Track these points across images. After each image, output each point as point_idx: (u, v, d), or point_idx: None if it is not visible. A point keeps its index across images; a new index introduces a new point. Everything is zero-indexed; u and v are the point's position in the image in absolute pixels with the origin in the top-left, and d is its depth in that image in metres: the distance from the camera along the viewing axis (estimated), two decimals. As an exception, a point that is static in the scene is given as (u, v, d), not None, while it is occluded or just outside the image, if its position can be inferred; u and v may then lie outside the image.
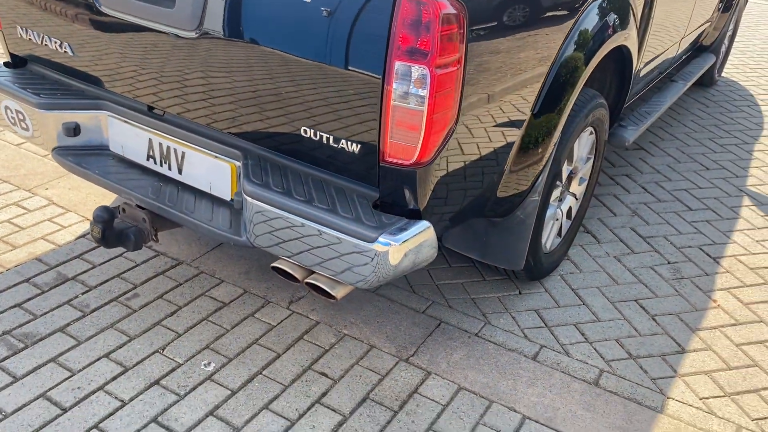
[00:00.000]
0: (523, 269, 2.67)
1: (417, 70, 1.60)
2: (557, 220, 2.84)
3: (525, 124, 2.18)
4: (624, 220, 3.44)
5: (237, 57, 1.91)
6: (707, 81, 5.35)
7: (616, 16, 2.55)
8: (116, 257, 2.78)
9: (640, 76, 3.31)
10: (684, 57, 4.49)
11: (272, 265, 2.02)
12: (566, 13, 2.19)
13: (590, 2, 2.33)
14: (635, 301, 2.83)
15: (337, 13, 1.68)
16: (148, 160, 2.31)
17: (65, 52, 2.36)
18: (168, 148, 2.23)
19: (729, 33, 5.45)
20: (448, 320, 2.60)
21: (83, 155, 2.41)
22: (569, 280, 2.93)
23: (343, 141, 1.81)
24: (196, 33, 1.95)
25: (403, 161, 1.73)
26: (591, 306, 2.77)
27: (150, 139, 2.27)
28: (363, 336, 2.47)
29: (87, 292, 2.57)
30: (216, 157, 2.12)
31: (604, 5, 2.42)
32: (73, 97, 2.38)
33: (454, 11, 1.61)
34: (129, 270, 2.71)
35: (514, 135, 2.16)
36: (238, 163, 2.07)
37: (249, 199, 1.90)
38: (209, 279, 2.69)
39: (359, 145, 1.79)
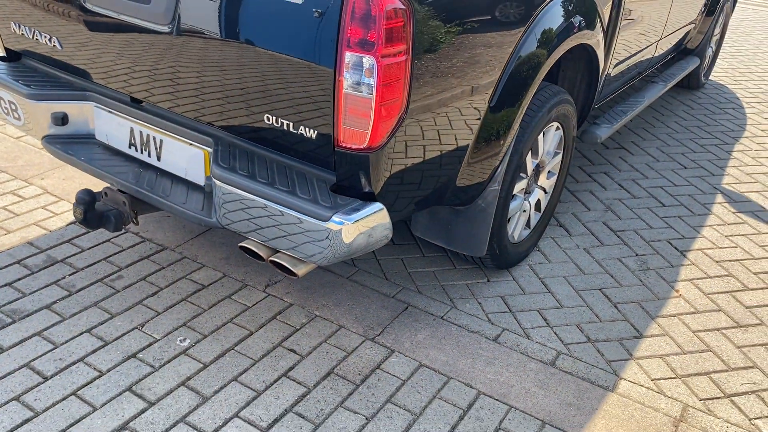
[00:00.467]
0: (489, 257, 2.81)
1: (365, 60, 1.74)
2: (525, 211, 2.97)
3: (482, 116, 2.31)
4: (597, 214, 3.56)
5: (207, 50, 2.05)
6: (693, 84, 5.45)
7: (578, 15, 2.67)
8: (104, 242, 2.93)
9: (612, 76, 3.43)
10: (665, 59, 4.60)
11: (240, 244, 2.16)
12: (523, 10, 2.31)
13: (549, 1, 2.45)
14: (599, 290, 2.95)
15: (292, 8, 1.82)
16: (130, 147, 2.46)
17: (54, 46, 2.52)
18: (148, 136, 2.38)
19: (716, 37, 5.56)
20: (416, 304, 2.73)
21: (71, 143, 2.56)
22: (537, 270, 3.05)
23: (301, 127, 1.95)
24: (170, 28, 2.10)
25: (355, 146, 1.87)
26: (556, 294, 2.89)
27: (131, 128, 2.42)
28: (333, 317, 2.60)
29: (74, 273, 2.71)
30: (191, 144, 2.26)
31: (565, 4, 2.55)
32: (61, 89, 2.53)
33: (400, 6, 1.74)
34: (115, 254, 2.86)
35: (472, 126, 2.28)
36: (211, 150, 2.21)
37: (217, 181, 2.04)
38: (191, 263, 2.84)
39: (316, 131, 1.93)
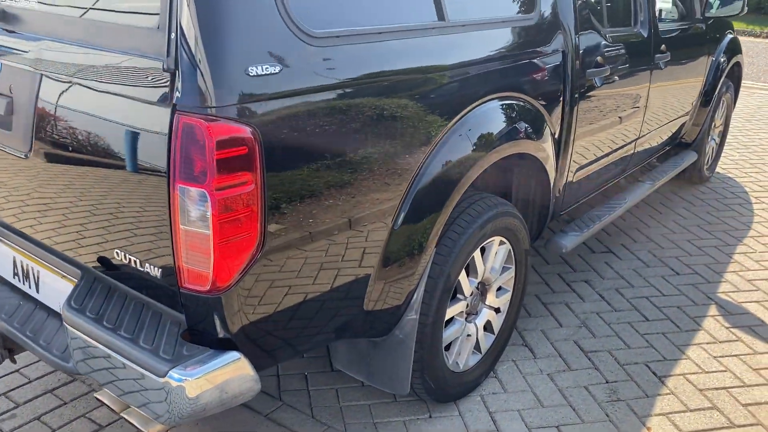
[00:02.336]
0: (424, 392, 2.47)
1: (197, 194, 1.52)
2: (469, 336, 2.65)
3: (385, 240, 2.05)
4: (569, 332, 3.20)
5: (62, 178, 1.88)
6: (695, 178, 5.11)
7: (511, 123, 2.44)
8: (11, 373, 2.71)
9: (574, 182, 3.15)
10: (656, 154, 4.31)
11: (94, 395, 1.90)
12: (426, 129, 2.09)
13: (468, 110, 2.23)
14: (556, 427, 2.57)
15: (129, 139, 1.64)
16: (14, 277, 2.27)
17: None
18: (27, 266, 2.19)
19: (718, 129, 5.27)
20: (336, 449, 2.40)
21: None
22: (489, 402, 2.69)
23: (147, 264, 1.72)
24: (27, 155, 1.94)
25: (200, 288, 1.62)
26: (504, 433, 2.53)
27: (14, 257, 2.24)
28: (235, 466, 2.29)
29: (-36, 412, 2.48)
30: (62, 276, 2.06)
31: (491, 113, 2.32)
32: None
33: (241, 134, 1.53)
34: (19, 387, 2.63)
35: (372, 252, 2.02)
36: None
37: (66, 324, 1.81)
38: (95, 399, 2.58)
39: (160, 270, 1.70)
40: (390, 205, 2.00)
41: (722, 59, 4.79)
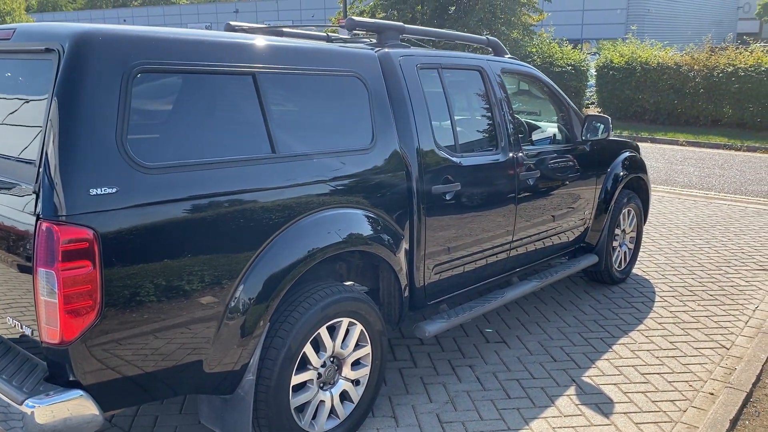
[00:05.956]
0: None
1: (50, 274, 2.24)
2: (323, 401, 3.21)
3: (220, 317, 2.69)
4: (436, 406, 3.72)
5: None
6: (606, 279, 5.65)
7: (341, 230, 3.11)
8: None
9: (440, 279, 3.77)
10: (548, 257, 4.90)
11: (-11, 426, 2.55)
12: (252, 235, 2.73)
13: (287, 226, 2.85)
14: (389, 479, 3.08)
15: (17, 238, 2.40)
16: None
17: None
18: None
19: (629, 235, 5.85)
20: (198, 490, 2.95)
21: None
22: (341, 459, 3.22)
23: (25, 326, 2.42)
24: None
25: (53, 341, 2.30)
26: (344, 483, 3.04)
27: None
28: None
29: None
30: None
31: (315, 223, 2.97)
32: None
33: (80, 234, 2.25)
34: None
35: (208, 324, 2.66)
36: None
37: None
38: None
39: (32, 330, 2.39)
40: (223, 292, 2.67)
41: (621, 173, 5.47)
